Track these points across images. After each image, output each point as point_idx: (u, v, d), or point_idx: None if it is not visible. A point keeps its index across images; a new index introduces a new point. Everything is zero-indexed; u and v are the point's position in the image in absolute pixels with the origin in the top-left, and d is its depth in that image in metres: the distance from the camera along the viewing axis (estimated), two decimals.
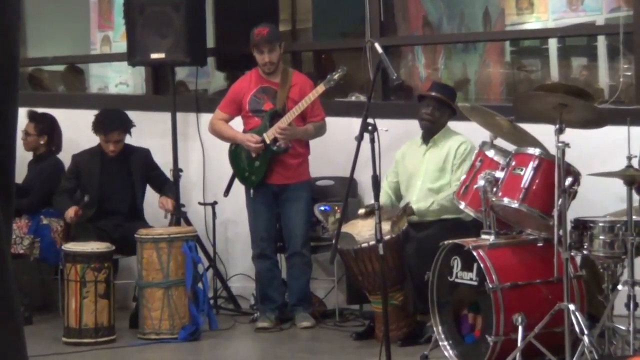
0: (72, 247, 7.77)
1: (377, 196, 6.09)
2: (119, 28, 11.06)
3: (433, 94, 7.62)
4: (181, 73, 9.48)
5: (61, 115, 8.93)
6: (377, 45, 6.35)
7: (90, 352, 7.33)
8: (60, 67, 11.03)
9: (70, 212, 8.05)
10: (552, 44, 11.52)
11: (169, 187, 8.40)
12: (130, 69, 10.19)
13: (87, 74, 11.29)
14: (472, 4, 11.97)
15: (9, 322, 1.97)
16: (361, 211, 7.41)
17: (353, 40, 9.69)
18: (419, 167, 7.55)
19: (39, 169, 8.57)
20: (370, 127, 5.97)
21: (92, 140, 8.35)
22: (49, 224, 8.39)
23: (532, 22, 11.60)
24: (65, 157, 8.58)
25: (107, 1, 11.40)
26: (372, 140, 5.95)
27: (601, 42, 11.15)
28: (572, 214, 6.34)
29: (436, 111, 7.53)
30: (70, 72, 11.11)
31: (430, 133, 7.56)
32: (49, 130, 8.68)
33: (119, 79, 11.32)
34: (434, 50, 11.21)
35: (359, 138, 6.02)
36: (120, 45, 10.87)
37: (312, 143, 8.03)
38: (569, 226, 6.23)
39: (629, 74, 8.41)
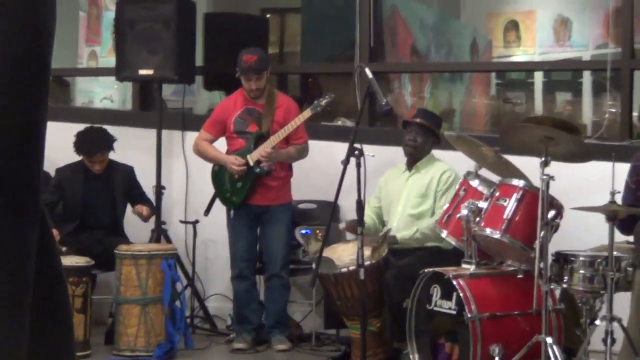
0: None
1: (360, 220, 6.09)
2: (107, 43, 11.08)
3: (417, 120, 7.64)
4: (166, 90, 9.46)
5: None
6: (367, 71, 6.36)
7: None
8: None
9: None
10: (538, 77, 11.60)
11: (147, 204, 8.36)
12: (116, 84, 10.21)
13: (73, 87, 11.28)
14: (460, 35, 12.04)
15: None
16: (342, 225, 7.41)
17: (341, 65, 9.72)
18: (401, 193, 7.55)
19: None
20: (357, 152, 5.97)
21: (74, 154, 8.32)
22: None
23: (519, 55, 11.68)
24: (50, 168, 8.53)
25: (96, 16, 11.40)
26: (358, 165, 5.96)
27: (586, 78, 11.22)
28: (553, 247, 6.34)
29: (419, 137, 7.54)
30: (55, 85, 11.09)
31: (414, 159, 7.57)
32: None
33: (104, 93, 11.32)
34: (421, 78, 11.25)
35: (346, 162, 6.04)
36: (106, 60, 10.89)
37: (295, 166, 8.03)
38: (549, 259, 6.23)
39: (614, 110, 8.43)
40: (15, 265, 1.92)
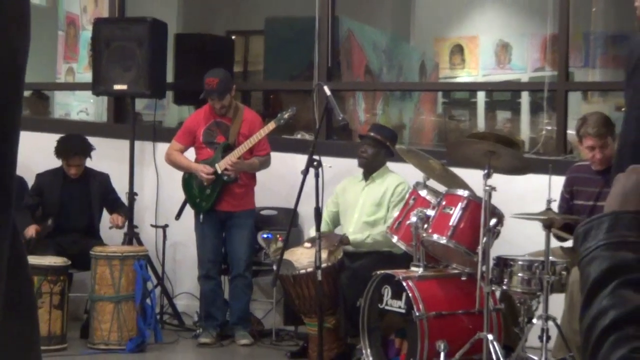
0: (30, 260, 7.61)
1: (318, 226, 6.10)
2: (83, 61, 11.04)
3: (371, 134, 7.66)
4: (139, 104, 9.44)
5: (25, 137, 8.76)
6: (325, 88, 6.37)
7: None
8: (26, 93, 10.95)
9: (31, 230, 7.94)
10: (481, 97, 11.66)
11: (121, 208, 8.34)
12: (92, 98, 10.18)
13: (52, 100, 11.23)
14: (410, 57, 12.09)
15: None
16: (307, 244, 7.40)
17: (301, 83, 9.74)
18: (357, 201, 7.57)
19: None
20: (315, 163, 5.98)
21: (53, 161, 8.28)
22: None
23: (464, 77, 11.74)
24: (28, 175, 8.48)
25: (74, 35, 11.36)
26: (317, 175, 5.98)
27: (525, 98, 11.31)
28: (494, 252, 6.38)
29: (371, 149, 7.56)
30: (35, 98, 11.04)
31: (369, 170, 7.59)
32: None
33: (81, 107, 11.27)
34: (374, 96, 11.28)
35: (305, 172, 6.04)
36: (82, 76, 10.85)
37: (258, 175, 8.03)
38: (491, 263, 6.27)
39: (550, 128, 8.50)
40: None
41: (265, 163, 7.97)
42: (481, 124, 11.62)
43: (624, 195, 1.65)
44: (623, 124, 4.75)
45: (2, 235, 1.82)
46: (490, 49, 11.64)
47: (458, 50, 11.78)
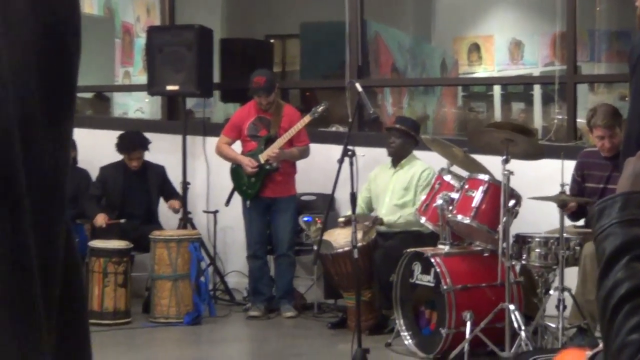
0: (97, 243, 7.74)
1: (354, 209, 6.11)
2: (138, 65, 11.10)
3: (397, 126, 7.64)
4: (189, 103, 9.48)
5: (89, 134, 8.88)
6: (357, 85, 6.35)
7: (109, 332, 7.29)
8: (89, 95, 11.02)
9: (100, 219, 7.96)
10: (497, 90, 11.63)
11: (176, 196, 8.38)
12: (147, 98, 10.21)
13: (111, 101, 11.29)
14: (432, 55, 12.06)
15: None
16: (341, 220, 7.42)
17: (334, 81, 9.73)
18: (388, 186, 7.56)
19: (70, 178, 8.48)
20: (350, 153, 5.98)
21: (114, 155, 8.31)
22: (82, 224, 8.34)
23: (481, 72, 11.69)
24: (91, 169, 8.54)
25: (129, 42, 11.42)
26: (351, 164, 5.96)
27: (537, 91, 11.26)
28: (513, 230, 6.37)
29: (398, 139, 7.54)
30: (97, 99, 11.11)
31: (398, 159, 7.57)
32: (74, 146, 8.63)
33: (137, 106, 11.32)
34: (400, 91, 11.28)
35: (341, 161, 6.03)
36: (137, 78, 10.91)
37: (298, 164, 8.03)
38: (511, 240, 6.26)
39: (560, 117, 8.47)
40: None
41: (304, 152, 7.98)
42: (497, 114, 11.59)
43: (635, 177, 1.65)
44: (628, 113, 4.74)
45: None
46: (505, 47, 11.60)
47: (475, 48, 11.74)
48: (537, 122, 11.17)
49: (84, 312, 1.66)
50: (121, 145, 8.24)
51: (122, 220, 8.06)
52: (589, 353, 2.81)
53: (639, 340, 1.49)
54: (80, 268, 1.66)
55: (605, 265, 1.62)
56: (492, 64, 11.69)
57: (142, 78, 10.49)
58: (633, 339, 1.49)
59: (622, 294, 1.55)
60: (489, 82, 11.69)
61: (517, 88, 11.78)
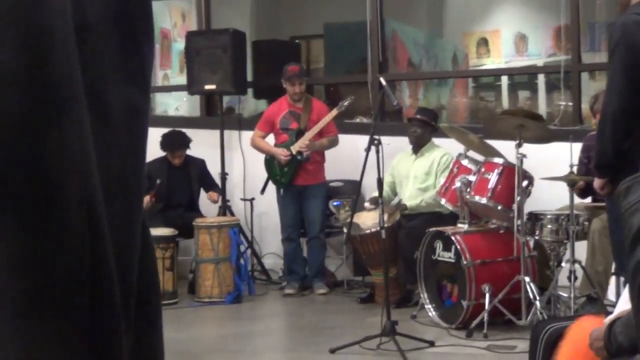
0: None
1: (380, 193, 6.08)
2: (175, 67, 11.08)
3: (418, 116, 7.62)
4: (225, 100, 9.46)
5: None
6: (382, 80, 6.32)
7: None
8: None
9: (145, 199, 8.00)
10: (504, 80, 11.55)
11: (215, 187, 8.38)
12: (185, 96, 10.19)
13: (153, 100, 11.28)
14: (444, 50, 11.99)
15: None
16: (367, 204, 7.40)
17: (357, 76, 9.67)
18: (410, 172, 7.53)
19: None
20: (376, 142, 5.95)
21: (157, 151, 8.29)
22: None
23: (489, 64, 11.61)
24: None
25: (167, 47, 11.40)
26: (377, 152, 5.93)
27: (541, 80, 11.18)
28: (527, 208, 6.34)
29: (420, 129, 7.51)
30: None
31: (418, 146, 7.55)
32: None
33: (176, 104, 11.32)
34: (416, 84, 11.23)
35: (367, 149, 6.00)
36: (175, 79, 10.89)
37: (327, 153, 8.01)
38: (524, 217, 6.22)
39: (564, 103, 8.39)
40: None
41: (333, 142, 7.95)
42: (505, 103, 11.50)
43: None
44: (606, 89, 4.71)
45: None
46: (510, 40, 11.51)
47: (483, 42, 11.65)
48: (542, 108, 11.06)
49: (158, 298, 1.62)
50: (165, 144, 8.25)
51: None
52: (606, 320, 2.77)
53: None
54: (154, 253, 1.63)
55: (634, 239, 1.59)
56: (499, 57, 11.59)
57: (179, 79, 10.48)
58: None
59: None
60: (496, 73, 11.59)
61: (522, 78, 11.68)
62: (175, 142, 8.25)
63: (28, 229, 1.27)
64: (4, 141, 1.24)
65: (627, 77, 4.61)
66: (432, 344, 5.86)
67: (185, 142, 8.29)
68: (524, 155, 6.13)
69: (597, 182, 4.86)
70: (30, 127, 1.25)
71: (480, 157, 6.83)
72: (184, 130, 8.53)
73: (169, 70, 11.38)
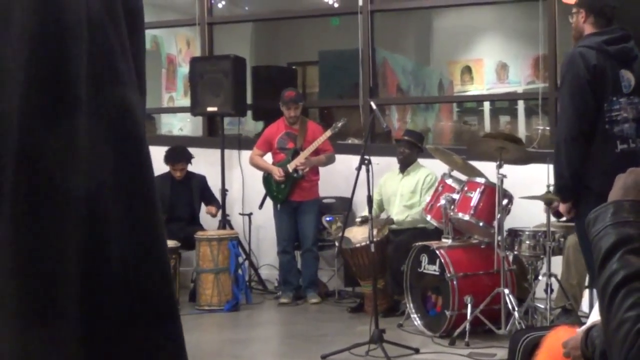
0: None
1: (370, 210, 6.09)
2: (180, 90, 11.12)
3: (406, 138, 7.63)
4: (226, 121, 9.46)
5: None
6: (372, 104, 6.33)
7: None
8: None
9: None
10: (486, 106, 11.60)
11: (215, 202, 8.37)
12: (188, 117, 10.21)
13: (158, 121, 11.30)
14: (431, 77, 12.04)
15: None
16: (358, 219, 7.40)
17: (349, 100, 9.68)
18: (397, 190, 7.54)
19: None
20: (366, 161, 5.96)
21: (162, 168, 8.30)
22: None
23: (472, 90, 11.66)
24: None
25: (172, 71, 11.45)
26: (368, 171, 5.94)
27: (520, 105, 11.23)
28: (507, 225, 6.34)
29: (407, 149, 7.53)
30: (146, 120, 11.10)
31: (405, 165, 7.55)
32: None
33: (180, 125, 11.34)
34: (404, 108, 11.27)
35: (359, 168, 6.00)
36: (180, 102, 10.93)
37: (322, 171, 8.01)
38: (504, 233, 6.23)
39: (542, 127, 8.42)
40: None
41: (330, 159, 7.94)
42: (487, 126, 11.55)
43: (625, 188, 1.68)
44: (558, 115, 4.77)
45: None
46: (492, 68, 11.58)
47: (467, 70, 11.72)
48: (521, 132, 11.12)
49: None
50: (168, 157, 8.27)
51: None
52: (579, 330, 2.78)
53: (635, 316, 1.52)
54: (165, 259, 1.58)
55: (602, 260, 1.64)
56: (482, 84, 11.65)
57: (184, 101, 10.50)
58: (630, 316, 1.53)
59: (618, 280, 1.59)
60: (479, 99, 11.68)
61: (503, 103, 11.73)
62: (176, 155, 8.26)
63: (28, 230, 1.24)
64: (6, 137, 1.20)
65: (574, 105, 4.68)
66: (417, 351, 5.84)
67: (187, 156, 8.29)
68: (504, 176, 6.14)
69: (562, 207, 4.93)
70: (38, 125, 1.20)
71: (463, 177, 6.84)
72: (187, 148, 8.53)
73: (174, 92, 11.42)
